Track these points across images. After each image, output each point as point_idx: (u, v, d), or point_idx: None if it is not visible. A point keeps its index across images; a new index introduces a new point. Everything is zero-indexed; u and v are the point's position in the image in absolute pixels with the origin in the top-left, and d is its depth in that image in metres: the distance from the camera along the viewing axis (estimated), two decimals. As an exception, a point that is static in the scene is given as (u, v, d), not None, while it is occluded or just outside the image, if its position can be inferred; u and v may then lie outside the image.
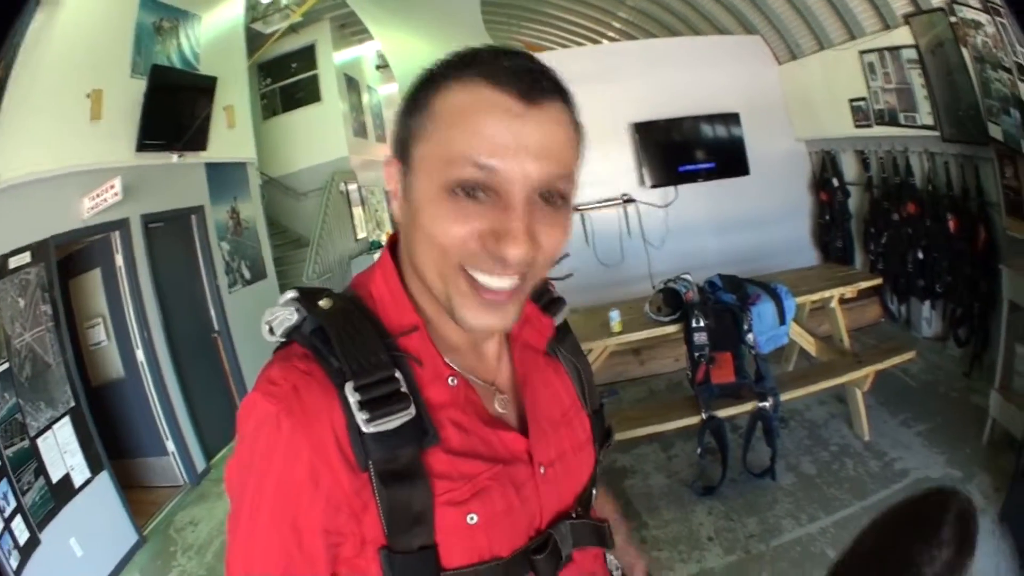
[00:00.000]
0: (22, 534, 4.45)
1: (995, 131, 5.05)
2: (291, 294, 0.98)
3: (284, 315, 0.96)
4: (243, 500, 0.88)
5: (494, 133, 0.87)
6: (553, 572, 1.04)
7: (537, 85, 0.89)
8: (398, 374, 0.91)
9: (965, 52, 5.16)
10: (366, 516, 0.89)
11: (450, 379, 1.00)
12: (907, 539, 1.12)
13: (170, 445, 6.33)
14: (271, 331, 0.97)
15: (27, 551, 4.47)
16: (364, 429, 0.87)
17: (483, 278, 0.92)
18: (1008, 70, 4.63)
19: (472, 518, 0.95)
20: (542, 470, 1.06)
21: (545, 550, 1.03)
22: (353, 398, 0.87)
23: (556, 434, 1.12)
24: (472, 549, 0.95)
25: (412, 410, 0.90)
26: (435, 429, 0.93)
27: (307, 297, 0.97)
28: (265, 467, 0.87)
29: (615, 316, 4.86)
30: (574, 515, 1.12)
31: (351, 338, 0.92)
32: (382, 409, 0.88)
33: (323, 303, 0.95)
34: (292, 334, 0.96)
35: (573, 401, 1.22)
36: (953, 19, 5.16)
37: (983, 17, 4.78)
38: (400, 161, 0.97)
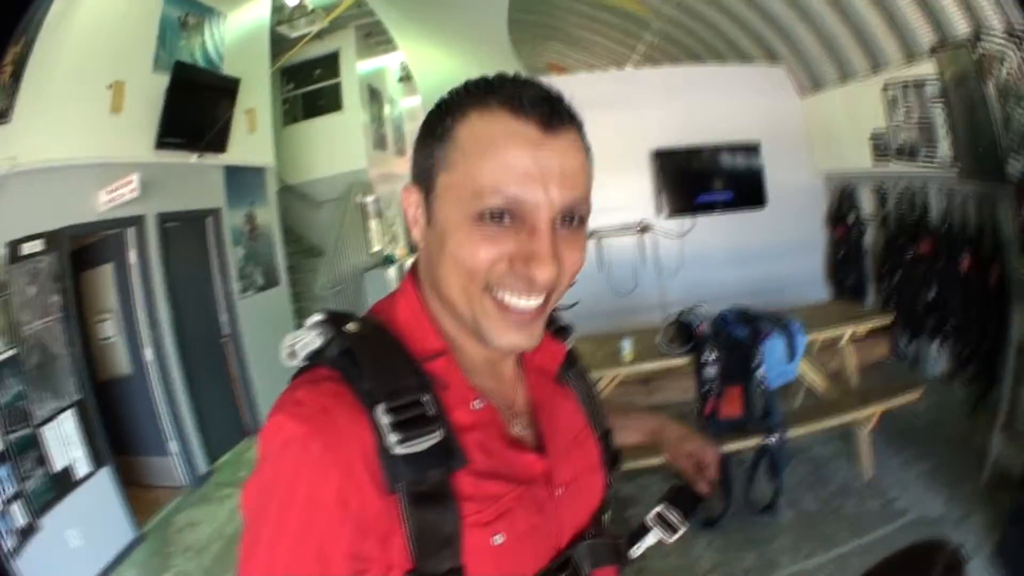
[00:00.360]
0: (21, 519, 4.50)
1: (1014, 168, 4.99)
2: (318, 317, 0.98)
3: (308, 339, 0.96)
4: (263, 523, 0.86)
5: (519, 162, 0.90)
6: None
7: (556, 113, 0.94)
8: (426, 397, 0.92)
9: (988, 86, 5.12)
10: (393, 540, 0.89)
11: (475, 402, 1.01)
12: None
13: (173, 446, 6.36)
14: (292, 354, 0.97)
15: (25, 535, 4.51)
16: (395, 451, 0.87)
17: (511, 299, 0.95)
18: None
19: (498, 539, 0.95)
20: (559, 491, 1.08)
21: (566, 570, 1.06)
22: (385, 420, 0.88)
23: (570, 456, 1.14)
24: (498, 570, 0.96)
25: (441, 432, 0.90)
26: (462, 451, 0.93)
27: (334, 321, 0.97)
28: (291, 489, 0.85)
29: (627, 345, 4.86)
30: (591, 534, 1.13)
31: (381, 361, 0.93)
32: (413, 431, 0.88)
33: (351, 327, 0.96)
34: (316, 357, 0.95)
35: (583, 425, 1.23)
36: (978, 52, 5.14)
37: (1008, 48, 4.76)
38: (421, 188, 0.99)
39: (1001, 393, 4.88)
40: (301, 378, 0.96)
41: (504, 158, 0.90)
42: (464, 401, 1.00)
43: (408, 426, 0.88)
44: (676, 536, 1.30)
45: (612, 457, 1.30)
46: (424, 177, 0.98)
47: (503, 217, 0.91)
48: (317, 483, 0.85)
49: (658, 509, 1.32)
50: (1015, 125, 4.87)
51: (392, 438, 0.87)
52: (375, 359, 0.93)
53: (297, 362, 0.97)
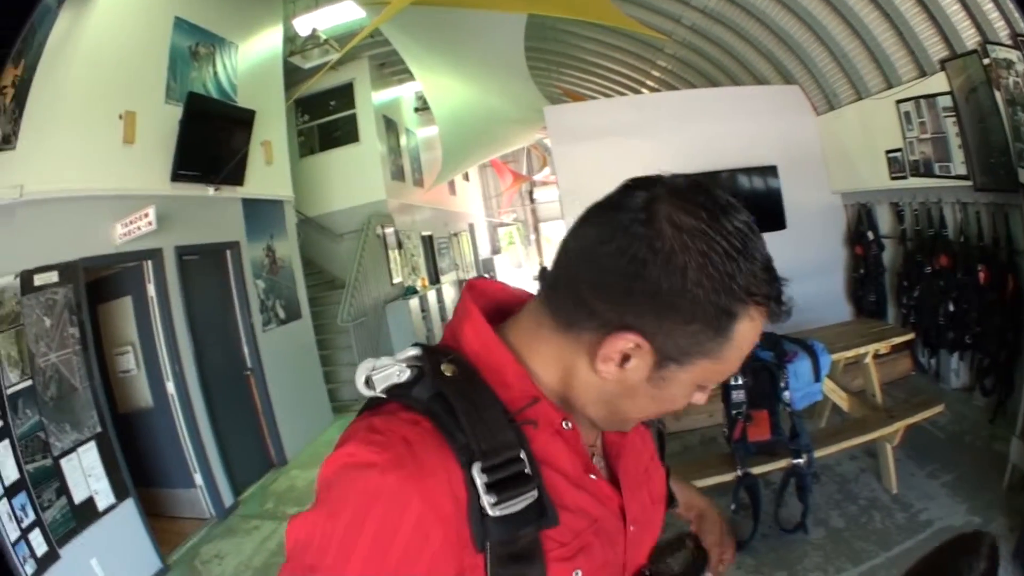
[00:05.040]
0: (40, 547, 4.52)
1: (1024, 176, 5.02)
2: (415, 351, 0.95)
3: (392, 370, 0.93)
4: (323, 555, 0.82)
5: None
6: None
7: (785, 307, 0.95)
8: (523, 453, 0.90)
9: (998, 95, 5.15)
10: None
11: (564, 423, 1.00)
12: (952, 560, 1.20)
13: (198, 478, 6.36)
14: (368, 383, 0.93)
15: (45, 563, 4.54)
16: (490, 512, 0.84)
17: None
18: None
19: (577, 574, 0.95)
20: (631, 528, 1.08)
21: None
22: (481, 480, 0.85)
23: (639, 492, 1.14)
24: None
25: (535, 492, 0.88)
26: (554, 510, 0.90)
27: (431, 357, 0.94)
28: (359, 524, 0.81)
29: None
30: (648, 572, 1.16)
31: (479, 411, 0.90)
32: (509, 492, 0.86)
33: (446, 368, 0.93)
34: (397, 392, 0.93)
35: (652, 456, 1.25)
36: (987, 60, 5.17)
37: (1014, 55, 4.80)
38: (659, 351, 0.91)
39: (1019, 400, 4.88)
40: (370, 412, 0.94)
41: (746, 350, 0.94)
42: (551, 424, 0.98)
43: (504, 486, 0.86)
44: None
45: (669, 495, 1.33)
46: (676, 349, 0.91)
47: None
48: (392, 515, 0.81)
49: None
50: (1024, 133, 4.89)
51: (488, 499, 0.84)
52: (473, 408, 0.89)
53: (371, 393, 0.94)
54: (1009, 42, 4.88)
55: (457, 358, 0.95)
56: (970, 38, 5.38)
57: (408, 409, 0.90)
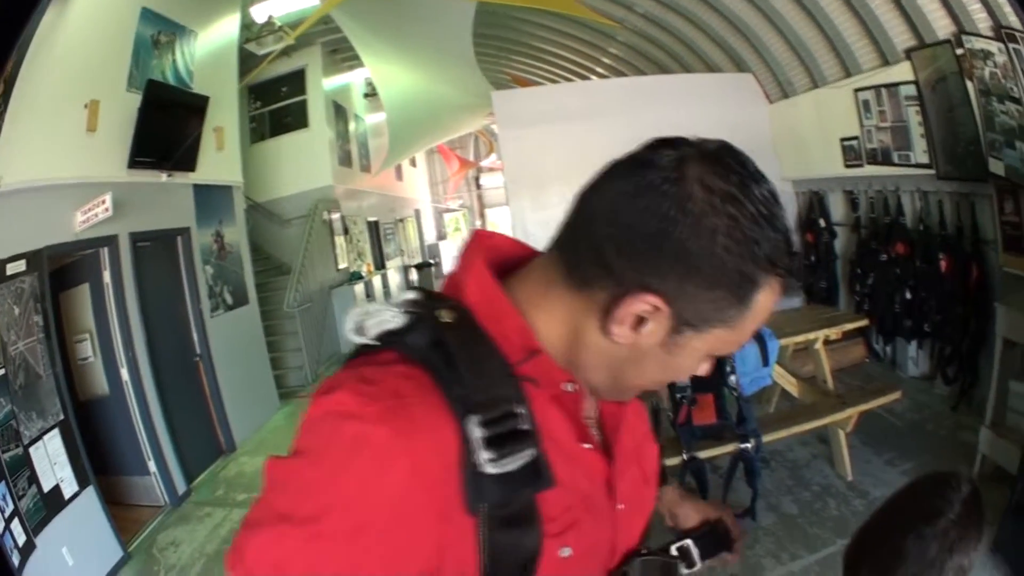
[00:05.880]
0: (20, 536, 4.54)
1: (996, 166, 5.05)
2: (413, 294, 0.92)
3: (386, 316, 0.88)
4: (297, 504, 0.76)
5: None
6: None
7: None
8: (522, 409, 0.85)
9: (970, 85, 5.17)
10: (460, 560, 0.83)
11: (568, 385, 0.96)
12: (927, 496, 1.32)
13: (152, 465, 6.34)
14: (359, 330, 0.89)
15: (25, 553, 4.56)
16: (486, 469, 0.80)
17: None
18: (1017, 100, 4.63)
19: (566, 551, 0.90)
20: (621, 507, 1.04)
21: None
22: (478, 433, 0.80)
23: (631, 469, 1.09)
24: None
25: (533, 451, 0.84)
26: (551, 472, 0.86)
27: (428, 302, 0.91)
28: (340, 473, 0.77)
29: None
30: (644, 551, 1.12)
31: (478, 363, 0.85)
32: (506, 448, 0.81)
33: (444, 313, 0.88)
34: (390, 339, 0.88)
35: (647, 431, 1.21)
36: (960, 51, 5.18)
37: (994, 46, 4.79)
38: (678, 316, 0.87)
39: (987, 390, 4.89)
40: (362, 358, 0.89)
41: (761, 320, 0.91)
42: (553, 383, 0.94)
43: (502, 442, 0.81)
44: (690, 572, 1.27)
45: (662, 472, 1.30)
46: (695, 315, 0.87)
47: None
48: (375, 470, 0.77)
49: (685, 543, 1.29)
50: (999, 123, 4.89)
51: (484, 455, 0.80)
52: (472, 358, 0.85)
53: (363, 339, 0.89)
54: (990, 33, 4.87)
55: (457, 305, 0.91)
56: (943, 28, 5.38)
57: (403, 359, 0.86)
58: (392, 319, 0.87)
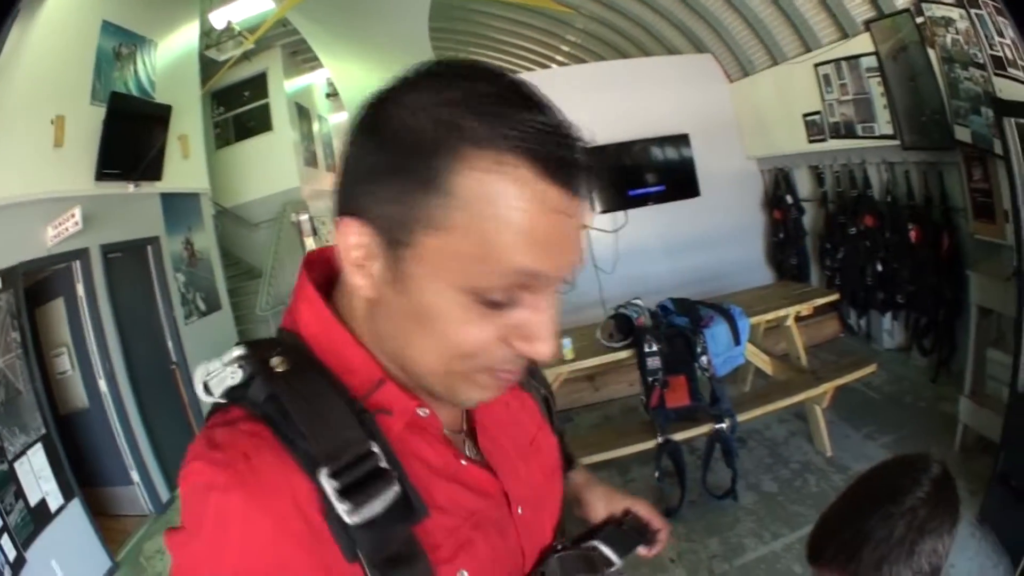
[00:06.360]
0: (10, 552, 4.54)
1: (962, 133, 5.03)
2: (238, 351, 0.82)
3: (224, 373, 0.81)
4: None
5: (547, 239, 0.75)
6: None
7: (582, 168, 0.77)
8: (376, 446, 0.78)
9: (932, 53, 5.16)
10: None
11: (420, 410, 0.88)
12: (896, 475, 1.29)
13: (135, 475, 6.33)
14: (207, 390, 0.82)
15: (16, 568, 4.56)
16: (347, 520, 0.74)
17: (503, 371, 0.84)
18: (981, 66, 4.59)
19: (463, 574, 0.85)
20: (519, 510, 0.98)
21: None
22: (330, 487, 0.74)
23: (527, 466, 1.04)
24: None
25: (397, 487, 0.77)
26: (422, 502, 0.80)
27: (258, 353, 0.82)
28: (219, 546, 0.73)
29: (567, 343, 4.84)
30: (559, 547, 1.06)
31: (317, 411, 0.78)
32: (364, 493, 0.75)
33: (276, 362, 0.81)
34: (235, 395, 0.81)
35: (540, 425, 1.15)
36: (920, 19, 5.16)
37: (955, 12, 4.75)
38: (380, 232, 0.77)
39: (965, 359, 4.90)
40: (216, 417, 0.82)
41: (527, 232, 0.73)
42: (406, 412, 0.86)
43: (361, 487, 0.75)
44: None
45: (567, 459, 1.25)
46: (391, 223, 0.76)
47: (511, 294, 0.77)
48: (248, 536, 0.73)
49: (594, 543, 1.12)
50: (963, 90, 4.89)
51: (342, 507, 0.74)
52: (310, 408, 0.78)
53: (212, 399, 0.82)
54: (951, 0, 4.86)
55: (288, 348, 0.84)
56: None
57: (248, 416, 0.79)
58: (232, 375, 0.81)
